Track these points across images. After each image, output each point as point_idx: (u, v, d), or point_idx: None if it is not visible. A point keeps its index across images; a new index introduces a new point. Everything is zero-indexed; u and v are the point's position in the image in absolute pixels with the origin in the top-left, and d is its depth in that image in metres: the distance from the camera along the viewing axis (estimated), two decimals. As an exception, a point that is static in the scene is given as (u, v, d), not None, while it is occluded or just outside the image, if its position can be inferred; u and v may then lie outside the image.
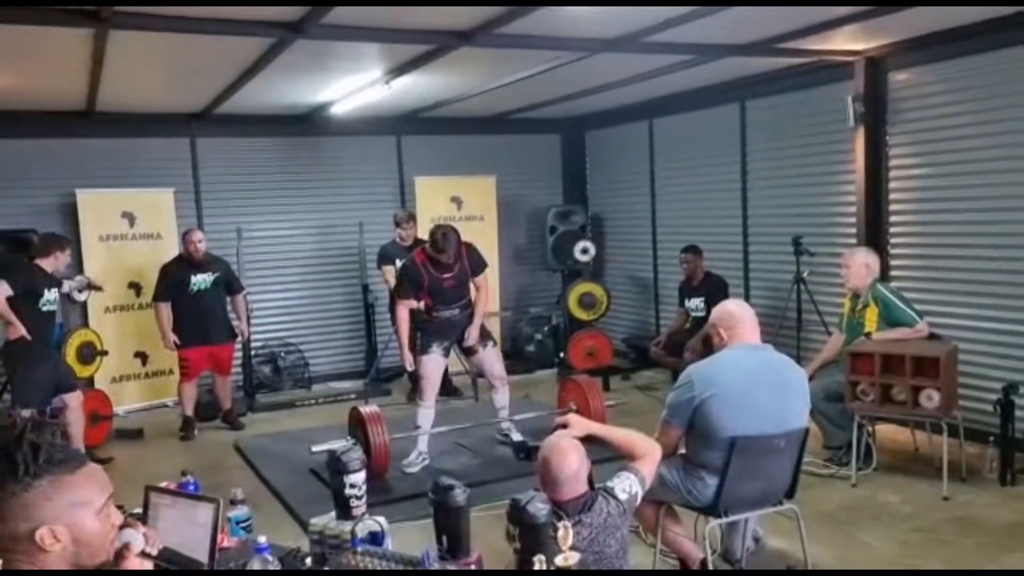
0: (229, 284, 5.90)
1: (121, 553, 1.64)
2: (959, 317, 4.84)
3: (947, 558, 3.39)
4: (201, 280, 5.68)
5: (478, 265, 4.70)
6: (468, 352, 4.85)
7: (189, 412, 5.84)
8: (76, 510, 1.36)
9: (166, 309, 5.68)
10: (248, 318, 6.14)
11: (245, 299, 6.06)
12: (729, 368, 2.86)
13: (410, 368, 4.86)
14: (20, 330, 4.78)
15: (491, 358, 4.82)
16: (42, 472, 1.32)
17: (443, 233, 4.45)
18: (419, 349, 4.75)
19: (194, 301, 5.67)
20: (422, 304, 4.69)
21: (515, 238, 7.92)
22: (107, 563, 1.52)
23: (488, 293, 4.83)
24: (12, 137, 6.38)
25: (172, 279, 5.68)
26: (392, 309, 6.52)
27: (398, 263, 6.42)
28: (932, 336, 4.43)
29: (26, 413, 4.77)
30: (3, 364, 5.12)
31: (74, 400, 5.00)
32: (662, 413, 2.96)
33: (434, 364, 4.67)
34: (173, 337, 5.69)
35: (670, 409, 2.91)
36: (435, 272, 4.54)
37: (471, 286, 4.72)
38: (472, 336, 4.71)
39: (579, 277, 7.49)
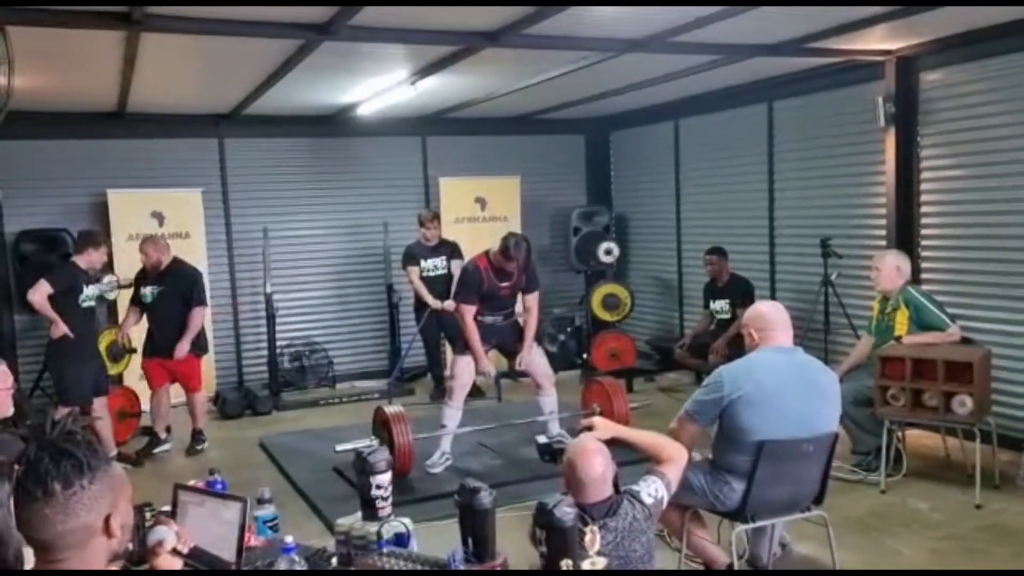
0: (184, 296, 5.40)
1: (154, 550, 1.67)
2: (993, 321, 4.74)
3: (979, 567, 3.32)
4: (149, 292, 5.41)
5: (533, 282, 4.76)
6: (512, 356, 4.85)
7: (157, 426, 5.47)
8: (122, 497, 1.43)
9: (130, 311, 5.55)
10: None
11: (196, 313, 5.42)
12: (760, 370, 2.82)
13: (491, 372, 4.80)
14: (62, 328, 4.86)
15: (536, 359, 4.84)
16: (99, 464, 1.38)
17: (516, 242, 4.50)
18: (456, 348, 4.81)
19: (147, 311, 5.47)
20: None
21: (539, 239, 7.88)
22: (127, 552, 1.56)
23: (537, 314, 4.81)
24: (46, 138, 6.50)
25: (134, 287, 5.55)
26: (417, 310, 6.63)
27: (422, 263, 6.48)
28: (965, 340, 4.34)
29: (64, 410, 4.89)
30: (47, 363, 5.20)
31: (100, 404, 5.06)
32: (684, 406, 2.92)
33: (469, 367, 4.70)
34: (126, 332, 5.56)
35: (696, 404, 2.88)
36: (495, 279, 4.59)
37: (518, 299, 4.78)
38: (525, 360, 4.74)
39: (603, 278, 7.45)
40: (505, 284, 4.64)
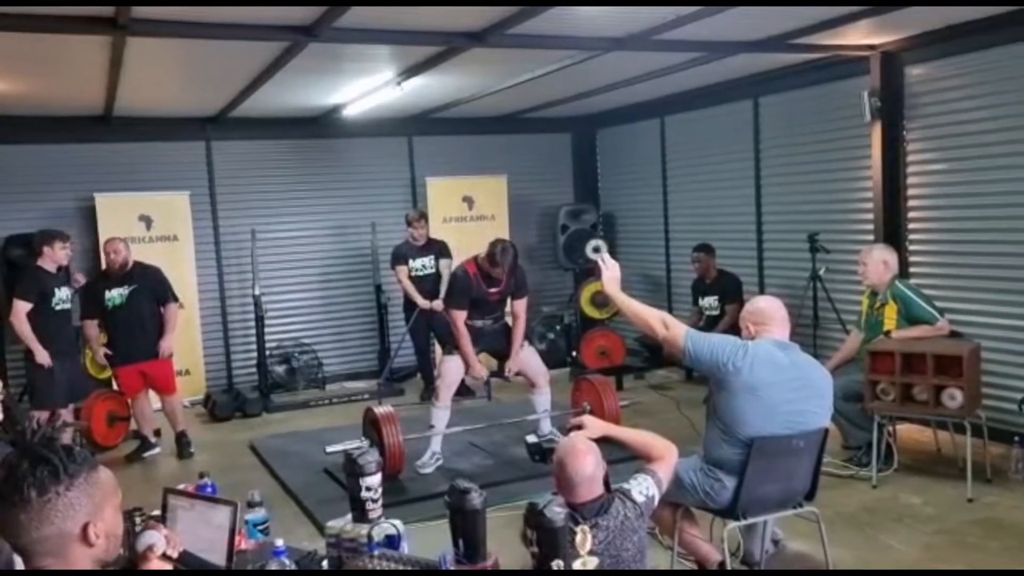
0: (156, 295, 5.31)
1: (144, 555, 1.66)
2: (981, 314, 4.77)
3: (972, 561, 3.33)
4: (116, 295, 5.19)
5: (521, 288, 4.78)
6: (504, 358, 4.83)
7: (144, 431, 5.39)
8: (106, 505, 1.41)
9: (89, 327, 5.30)
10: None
11: (173, 310, 5.39)
12: (760, 362, 2.81)
13: (484, 376, 4.78)
14: (43, 358, 4.82)
15: (529, 357, 4.84)
16: (78, 471, 1.36)
17: (503, 248, 4.52)
18: (445, 349, 4.82)
19: (112, 317, 5.24)
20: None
21: (526, 237, 7.89)
22: (120, 559, 1.54)
23: (525, 320, 4.82)
24: (32, 143, 6.46)
25: (90, 295, 5.29)
26: (407, 310, 6.61)
27: (411, 263, 6.47)
28: (953, 334, 4.37)
29: (39, 415, 4.86)
30: (24, 366, 5.17)
31: (66, 412, 5.02)
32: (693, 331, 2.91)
33: (456, 367, 4.71)
34: (104, 350, 5.28)
35: (718, 339, 2.88)
36: (484, 286, 4.62)
37: (507, 303, 4.79)
38: (515, 366, 4.73)
39: (591, 276, 7.46)
40: (494, 290, 4.66)
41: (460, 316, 4.62)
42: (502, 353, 4.84)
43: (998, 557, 3.35)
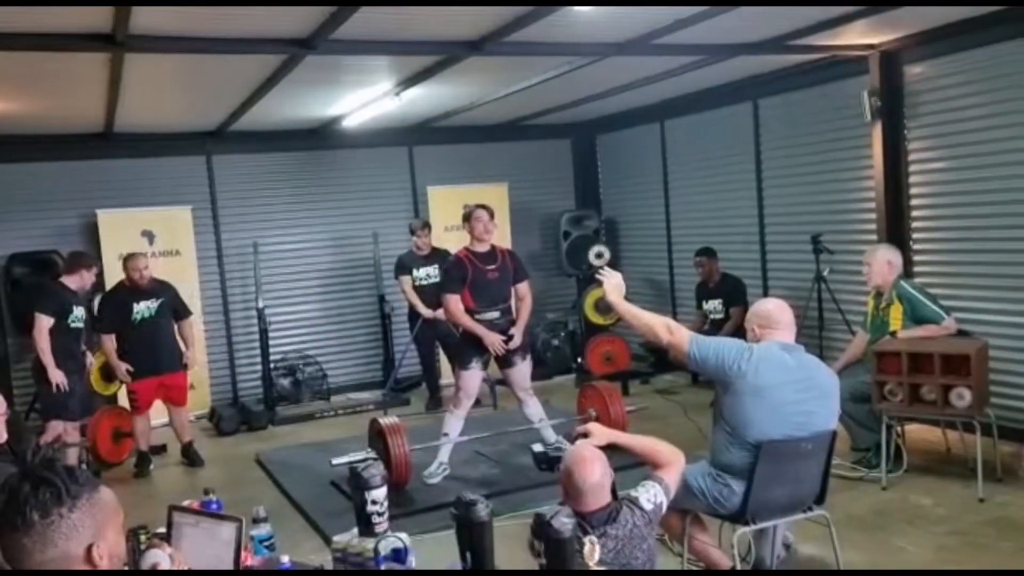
0: (175, 309, 5.47)
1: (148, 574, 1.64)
2: (987, 312, 4.74)
3: (985, 562, 3.29)
4: (145, 308, 5.25)
5: (520, 272, 4.82)
6: (504, 363, 4.77)
7: (143, 447, 5.36)
8: (109, 526, 1.40)
9: (109, 341, 5.27)
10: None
11: (192, 324, 5.65)
12: (765, 362, 2.80)
13: (498, 345, 4.63)
14: (57, 378, 4.83)
15: (523, 370, 4.81)
16: (80, 492, 1.35)
17: (474, 206, 4.77)
18: (459, 363, 4.76)
19: (139, 330, 5.24)
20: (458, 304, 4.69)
21: (529, 244, 7.88)
22: None
23: (531, 303, 4.84)
24: (34, 160, 6.50)
25: (114, 308, 5.30)
26: (411, 320, 6.60)
27: (415, 272, 6.46)
28: (960, 333, 4.34)
29: (60, 426, 4.86)
30: (35, 379, 5.15)
31: (71, 427, 5.02)
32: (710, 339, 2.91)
33: (474, 379, 4.71)
34: (126, 365, 5.24)
35: (723, 342, 2.87)
36: (480, 264, 4.62)
37: (512, 291, 4.79)
38: (516, 339, 4.67)
39: (594, 282, 7.42)
40: (492, 267, 4.64)
41: (453, 299, 4.60)
42: (510, 357, 4.72)
43: (1011, 558, 3.31)
